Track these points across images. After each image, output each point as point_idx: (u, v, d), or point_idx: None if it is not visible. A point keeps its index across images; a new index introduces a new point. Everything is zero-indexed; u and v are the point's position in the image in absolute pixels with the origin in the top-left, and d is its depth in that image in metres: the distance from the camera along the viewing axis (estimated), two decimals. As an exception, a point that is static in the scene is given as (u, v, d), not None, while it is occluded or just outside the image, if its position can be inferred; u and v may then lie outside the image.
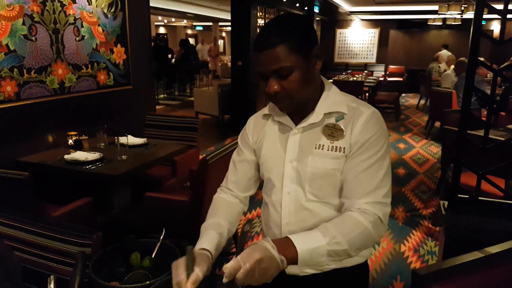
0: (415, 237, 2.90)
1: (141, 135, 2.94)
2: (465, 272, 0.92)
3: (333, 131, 0.92)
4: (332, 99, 0.95)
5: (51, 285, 0.82)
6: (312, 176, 0.93)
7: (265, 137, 1.02)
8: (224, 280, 0.73)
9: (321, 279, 0.97)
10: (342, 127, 0.92)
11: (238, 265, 0.73)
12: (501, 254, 0.99)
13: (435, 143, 5.61)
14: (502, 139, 2.36)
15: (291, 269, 0.99)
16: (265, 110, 1.05)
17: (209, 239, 0.91)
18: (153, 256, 0.98)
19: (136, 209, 2.39)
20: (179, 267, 0.79)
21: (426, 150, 5.35)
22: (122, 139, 2.38)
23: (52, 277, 0.83)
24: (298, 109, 0.94)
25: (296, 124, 0.97)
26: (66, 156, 2.29)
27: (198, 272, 0.78)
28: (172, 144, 2.80)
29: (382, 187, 0.89)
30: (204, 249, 0.88)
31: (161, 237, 0.99)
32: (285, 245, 0.79)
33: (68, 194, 2.21)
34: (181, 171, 2.96)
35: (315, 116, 0.94)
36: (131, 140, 2.57)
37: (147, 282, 0.85)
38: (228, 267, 0.73)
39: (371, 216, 0.86)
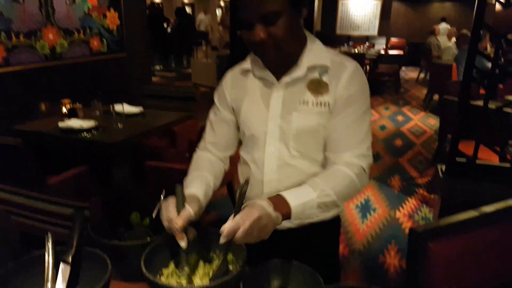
0: (410, 204, 2.95)
1: (138, 105, 2.90)
2: (461, 230, 0.93)
3: (317, 86, 0.89)
4: (315, 52, 0.91)
5: (49, 243, 0.82)
6: (297, 132, 0.91)
7: (245, 95, 0.98)
8: (222, 240, 0.73)
9: (299, 233, 0.99)
10: (326, 82, 0.89)
11: (237, 224, 0.73)
12: (496, 213, 1.00)
13: (433, 115, 5.61)
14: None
15: None
16: (244, 64, 0.99)
17: (196, 186, 0.89)
18: (153, 216, 0.97)
19: (136, 180, 2.38)
20: (169, 204, 0.79)
21: (424, 122, 5.35)
22: (118, 107, 2.34)
23: (49, 234, 0.83)
24: (281, 62, 0.89)
25: (278, 79, 0.93)
26: (60, 124, 2.25)
27: (190, 209, 0.78)
28: (170, 113, 2.76)
29: (366, 140, 0.90)
30: (193, 195, 0.86)
31: (162, 197, 0.99)
32: (279, 202, 0.80)
33: (64, 164, 2.20)
34: (181, 142, 2.94)
35: (299, 70, 0.90)
36: (127, 108, 2.52)
37: (148, 239, 0.85)
38: (226, 227, 0.73)
39: (357, 168, 0.87)
